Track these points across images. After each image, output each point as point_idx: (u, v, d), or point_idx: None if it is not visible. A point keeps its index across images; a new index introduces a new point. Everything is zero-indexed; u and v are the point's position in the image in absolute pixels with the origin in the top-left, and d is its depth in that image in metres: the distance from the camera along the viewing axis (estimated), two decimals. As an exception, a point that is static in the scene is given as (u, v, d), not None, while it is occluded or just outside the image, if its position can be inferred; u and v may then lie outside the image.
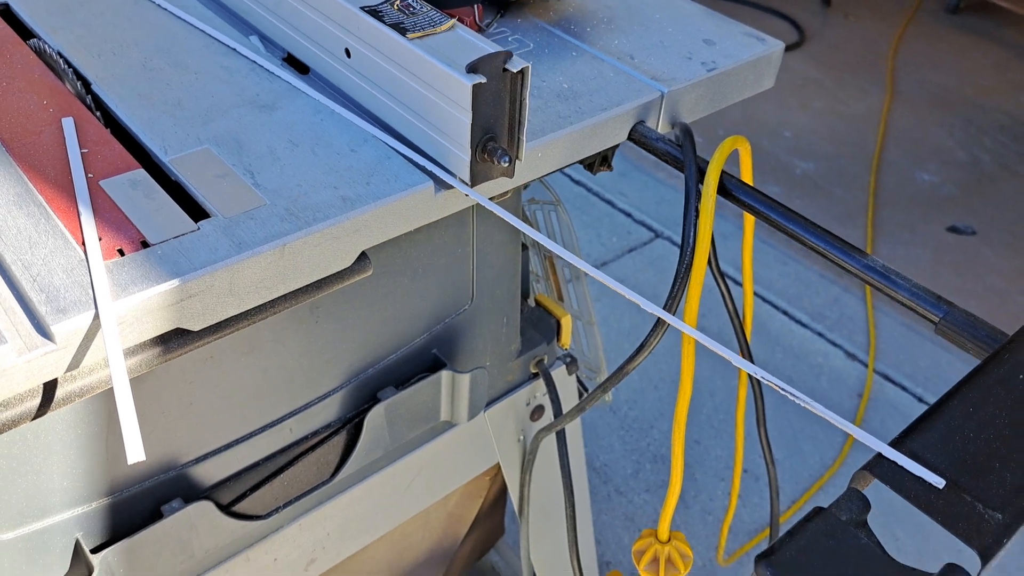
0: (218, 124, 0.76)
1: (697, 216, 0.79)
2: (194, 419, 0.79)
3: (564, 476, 1.08)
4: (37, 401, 0.59)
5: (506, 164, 0.71)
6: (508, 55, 0.68)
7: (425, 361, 0.95)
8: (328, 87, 0.83)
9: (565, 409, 1.10)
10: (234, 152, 0.73)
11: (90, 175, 0.69)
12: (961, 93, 3.62)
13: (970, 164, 3.25)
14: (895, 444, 0.56)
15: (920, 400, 2.33)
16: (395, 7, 0.75)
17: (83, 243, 0.62)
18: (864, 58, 3.82)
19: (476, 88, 0.66)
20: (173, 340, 0.63)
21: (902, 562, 0.50)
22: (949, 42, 3.95)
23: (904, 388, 2.35)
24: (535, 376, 1.11)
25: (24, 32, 0.89)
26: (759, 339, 2.45)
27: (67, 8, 0.91)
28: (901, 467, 0.53)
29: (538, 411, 1.14)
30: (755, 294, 2.61)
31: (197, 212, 0.67)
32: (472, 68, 0.66)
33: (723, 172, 0.80)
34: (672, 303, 0.81)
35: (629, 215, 2.88)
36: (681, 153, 0.82)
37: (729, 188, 0.80)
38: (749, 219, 0.94)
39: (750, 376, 1.05)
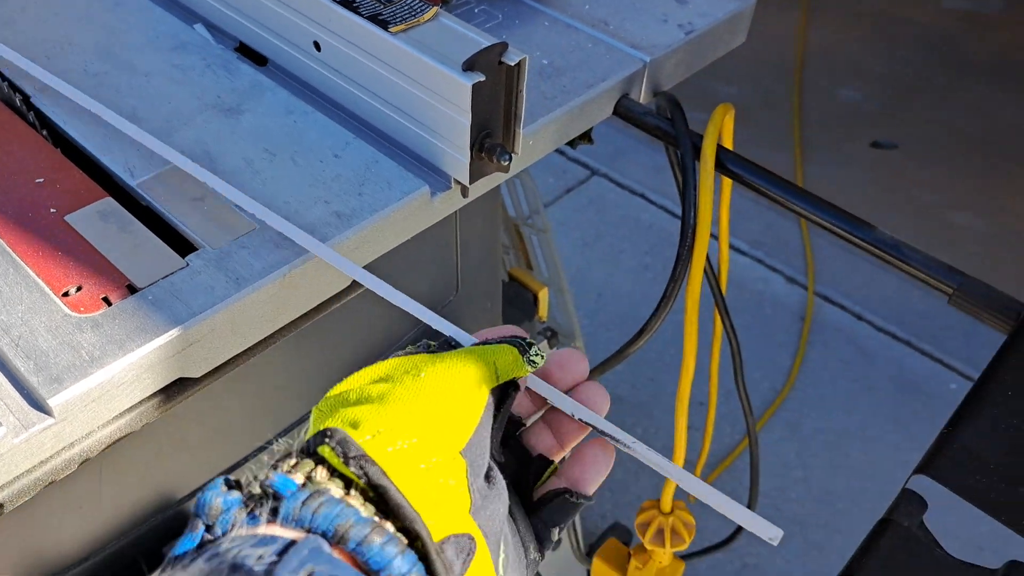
0: (183, 135, 0.69)
1: (696, 193, 0.77)
2: (187, 455, 0.74)
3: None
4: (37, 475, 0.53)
5: (507, 163, 0.66)
6: (504, 47, 0.63)
7: (413, 356, 0.91)
8: (294, 81, 0.76)
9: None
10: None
11: (52, 209, 0.62)
12: (875, 5, 3.65)
13: (890, 78, 3.29)
14: (946, 434, 0.55)
15: (860, 318, 2.39)
16: (368, -5, 0.68)
17: (63, 294, 0.56)
18: (777, -26, 3.80)
19: (476, 87, 0.61)
20: (173, 388, 0.58)
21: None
22: (859, -47, 3.96)
23: (844, 307, 2.41)
24: (518, 353, 1.08)
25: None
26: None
27: (-17, 5, 0.81)
28: (957, 465, 0.53)
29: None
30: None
31: (181, 244, 0.61)
32: (469, 65, 0.61)
33: (719, 146, 0.77)
34: (674, 286, 0.78)
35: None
36: (672, 127, 0.79)
37: (725, 162, 0.77)
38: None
39: (726, 329, 1.04)
